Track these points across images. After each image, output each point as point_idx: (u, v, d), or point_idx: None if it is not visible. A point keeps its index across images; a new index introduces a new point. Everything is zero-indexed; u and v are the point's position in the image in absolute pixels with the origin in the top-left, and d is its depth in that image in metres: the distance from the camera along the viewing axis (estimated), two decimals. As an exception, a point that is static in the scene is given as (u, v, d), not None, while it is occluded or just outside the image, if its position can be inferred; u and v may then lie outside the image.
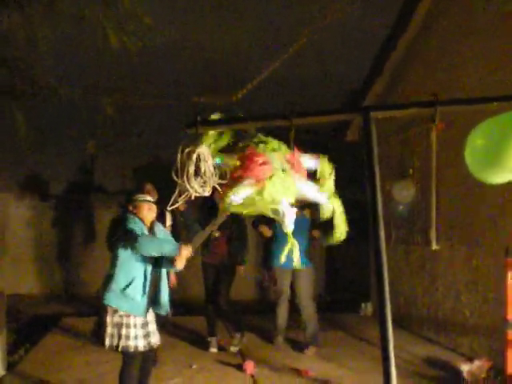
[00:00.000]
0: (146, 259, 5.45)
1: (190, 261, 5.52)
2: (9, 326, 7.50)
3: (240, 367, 7.52)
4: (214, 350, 8.37)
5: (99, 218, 13.27)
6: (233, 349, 8.33)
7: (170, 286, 6.10)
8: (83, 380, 7.02)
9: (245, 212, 4.00)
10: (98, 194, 18.71)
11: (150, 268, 5.49)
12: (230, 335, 8.57)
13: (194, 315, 10.60)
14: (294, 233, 8.35)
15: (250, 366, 7.45)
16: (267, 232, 8.55)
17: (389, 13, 10.20)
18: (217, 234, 8.14)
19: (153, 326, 5.59)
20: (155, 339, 5.59)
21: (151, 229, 5.68)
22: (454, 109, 4.45)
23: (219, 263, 8.32)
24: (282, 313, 8.64)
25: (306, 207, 8.32)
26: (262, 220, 8.44)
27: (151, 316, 5.62)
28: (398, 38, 9.92)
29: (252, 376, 7.26)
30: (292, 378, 7.23)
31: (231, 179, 3.86)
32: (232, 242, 8.30)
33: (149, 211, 5.68)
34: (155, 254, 5.32)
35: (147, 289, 5.45)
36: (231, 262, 8.34)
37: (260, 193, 3.79)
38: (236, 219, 8.07)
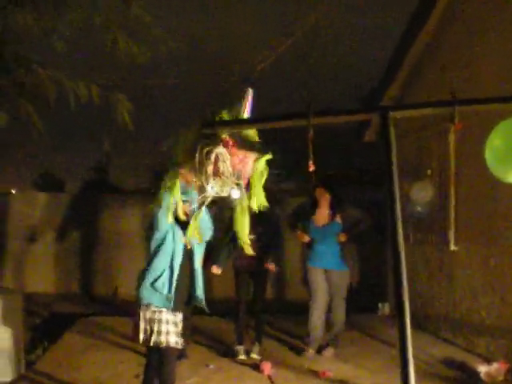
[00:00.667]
0: (171, 252, 5.53)
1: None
2: (26, 325, 7.53)
3: (257, 368, 7.51)
4: (242, 357, 8.09)
5: (115, 217, 13.31)
6: (255, 356, 8.06)
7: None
8: (100, 379, 7.04)
9: None
10: (113, 192, 18.76)
11: (177, 261, 5.53)
12: (251, 341, 8.34)
13: (211, 315, 10.63)
14: (326, 236, 8.36)
15: (267, 366, 7.43)
16: (303, 237, 8.46)
17: (404, 12, 10.17)
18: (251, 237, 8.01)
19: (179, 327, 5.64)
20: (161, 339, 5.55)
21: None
22: (473, 108, 4.42)
23: (252, 267, 8.10)
24: (315, 319, 8.30)
25: (338, 213, 8.32)
26: (299, 223, 8.44)
27: (180, 317, 5.66)
28: (415, 38, 9.88)
29: (269, 376, 7.23)
30: (309, 379, 7.21)
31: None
32: (262, 245, 8.02)
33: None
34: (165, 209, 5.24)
35: (174, 283, 5.47)
36: (263, 265, 8.14)
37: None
38: (267, 221, 8.04)
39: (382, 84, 11.15)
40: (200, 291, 5.72)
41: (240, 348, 8.14)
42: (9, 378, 6.88)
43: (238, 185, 3.94)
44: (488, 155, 3.97)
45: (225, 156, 3.79)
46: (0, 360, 6.78)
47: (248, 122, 3.94)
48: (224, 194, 3.87)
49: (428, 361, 7.92)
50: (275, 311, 10.95)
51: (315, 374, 7.36)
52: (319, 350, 8.37)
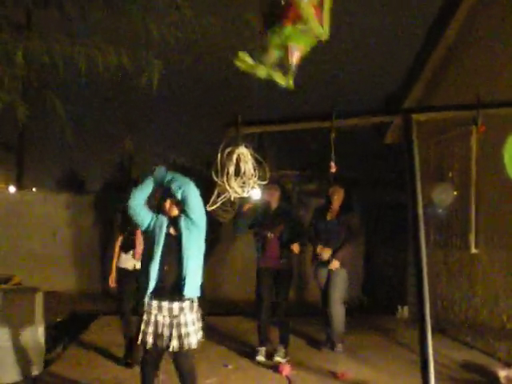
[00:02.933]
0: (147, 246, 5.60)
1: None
2: (47, 324, 7.56)
3: (276, 369, 7.50)
4: (261, 358, 7.99)
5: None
6: (279, 359, 7.90)
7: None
8: (119, 378, 7.05)
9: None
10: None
11: (154, 257, 5.42)
12: (274, 347, 8.18)
13: (230, 315, 10.66)
14: (330, 232, 8.33)
15: (286, 367, 7.42)
16: (324, 251, 8.36)
17: (428, 15, 10.11)
18: (269, 235, 8.06)
19: (171, 330, 5.36)
20: (165, 343, 5.36)
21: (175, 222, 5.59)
22: (496, 111, 4.39)
23: (275, 267, 8.05)
24: (340, 313, 8.44)
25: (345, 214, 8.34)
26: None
27: (171, 319, 5.38)
28: (437, 41, 9.84)
29: (288, 378, 7.22)
30: (329, 381, 7.19)
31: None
32: (286, 243, 8.05)
33: (171, 207, 5.58)
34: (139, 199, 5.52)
35: (149, 278, 5.38)
36: (287, 265, 8.13)
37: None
38: (287, 219, 8.11)
39: (404, 86, 11.09)
40: (186, 285, 5.37)
41: (261, 349, 8.08)
42: (30, 375, 6.92)
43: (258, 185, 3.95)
44: (507, 160, 3.95)
45: (246, 156, 3.79)
46: (21, 357, 6.83)
47: (272, 123, 3.94)
48: (245, 195, 3.87)
49: (447, 364, 7.88)
50: (294, 313, 10.94)
51: (334, 375, 7.33)
52: (355, 352, 8.49)
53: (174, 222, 5.52)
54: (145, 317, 5.38)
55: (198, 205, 5.43)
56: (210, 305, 12.15)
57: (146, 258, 5.51)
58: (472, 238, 8.96)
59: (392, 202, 12.27)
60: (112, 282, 7.82)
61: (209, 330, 8.60)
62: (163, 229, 5.50)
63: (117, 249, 7.93)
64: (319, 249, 8.38)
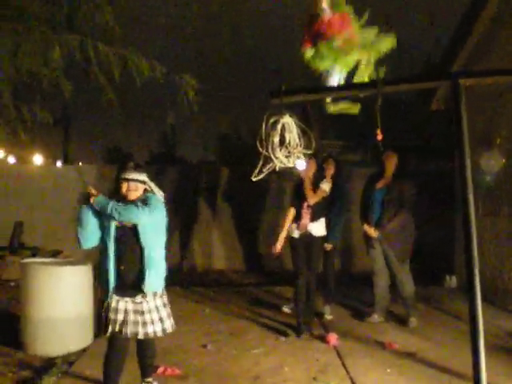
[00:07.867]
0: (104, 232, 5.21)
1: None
2: (95, 296, 7.65)
3: (323, 339, 7.51)
4: (286, 309, 8.94)
5: (181, 189, 13.37)
6: (328, 317, 8.64)
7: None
8: (166, 349, 7.05)
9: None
10: (179, 164, 18.81)
11: (111, 242, 5.11)
12: (323, 305, 8.80)
13: (280, 285, 10.73)
14: (375, 203, 8.26)
15: (332, 337, 7.42)
16: (371, 232, 8.27)
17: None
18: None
19: (135, 317, 5.15)
20: (131, 329, 5.15)
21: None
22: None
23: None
24: (381, 283, 8.41)
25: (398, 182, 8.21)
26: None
27: (135, 305, 5.16)
28: (484, 4, 9.61)
29: (335, 348, 7.23)
30: (376, 351, 7.16)
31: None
32: (331, 217, 8.43)
33: (128, 191, 5.30)
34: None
35: (111, 269, 5.11)
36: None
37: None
38: (338, 194, 8.45)
39: (450, 51, 10.86)
40: (148, 279, 5.13)
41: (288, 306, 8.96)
42: (81, 346, 7.04)
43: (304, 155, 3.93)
44: None
45: (291, 126, 3.77)
46: (71, 330, 6.94)
47: (317, 92, 3.90)
48: (290, 165, 3.85)
49: (496, 333, 7.80)
50: (339, 283, 10.94)
51: (381, 345, 7.32)
52: (403, 323, 8.36)
53: None
54: (111, 305, 5.11)
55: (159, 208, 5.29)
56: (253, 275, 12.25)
57: (102, 256, 5.20)
58: (520, 205, 8.83)
59: (438, 169, 12.11)
60: (278, 249, 8.13)
61: (257, 301, 8.65)
62: (112, 221, 5.15)
63: (289, 220, 8.14)
64: (365, 227, 8.30)
